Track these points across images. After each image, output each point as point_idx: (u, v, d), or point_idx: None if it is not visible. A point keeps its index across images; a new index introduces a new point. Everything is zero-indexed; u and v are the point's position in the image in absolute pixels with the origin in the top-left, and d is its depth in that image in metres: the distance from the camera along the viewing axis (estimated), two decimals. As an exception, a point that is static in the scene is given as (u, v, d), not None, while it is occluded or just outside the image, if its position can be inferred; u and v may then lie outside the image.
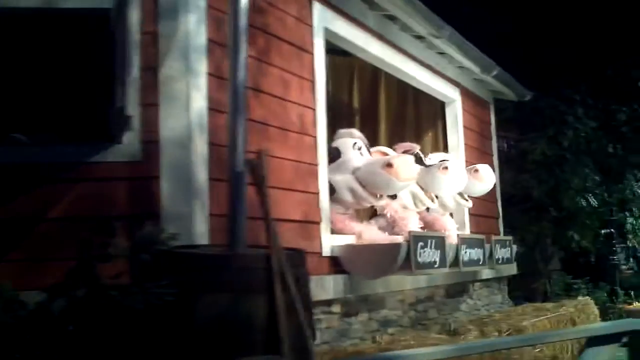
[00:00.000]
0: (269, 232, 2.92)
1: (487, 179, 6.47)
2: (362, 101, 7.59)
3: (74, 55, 3.87)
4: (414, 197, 5.68)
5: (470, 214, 7.43)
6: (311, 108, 4.67)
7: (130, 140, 3.51)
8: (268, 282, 2.78)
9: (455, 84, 7.49)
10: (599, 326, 5.55)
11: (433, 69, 6.88)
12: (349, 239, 4.93)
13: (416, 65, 6.49)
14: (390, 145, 6.87)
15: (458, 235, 5.64)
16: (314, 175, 4.62)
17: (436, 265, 5.05)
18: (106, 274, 2.83)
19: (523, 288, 9.99)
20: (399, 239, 5.18)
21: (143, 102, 3.54)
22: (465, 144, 7.57)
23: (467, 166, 7.33)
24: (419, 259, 4.76)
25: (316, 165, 4.65)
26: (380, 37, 5.78)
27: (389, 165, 4.86)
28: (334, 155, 5.04)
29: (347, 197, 5.00)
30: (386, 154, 6.24)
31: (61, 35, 3.80)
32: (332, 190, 5.00)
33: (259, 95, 4.14)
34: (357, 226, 5.08)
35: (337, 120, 7.18)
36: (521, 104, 9.49)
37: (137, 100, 3.53)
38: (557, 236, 10.75)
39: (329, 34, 5.10)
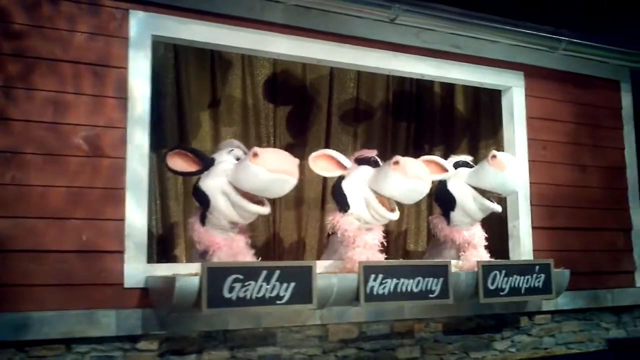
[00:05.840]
0: None
1: (508, 168, 5.11)
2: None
3: None
4: (368, 206, 4.77)
5: (535, 228, 5.88)
6: (118, 127, 4.32)
7: None
8: None
9: (513, 66, 5.99)
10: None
11: (442, 53, 5.63)
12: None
13: (387, 54, 5.39)
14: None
15: (361, 263, 4.54)
16: (117, 200, 4.27)
17: (280, 302, 4.20)
18: None
19: None
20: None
21: None
22: (533, 139, 6.00)
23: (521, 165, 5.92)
24: (228, 295, 4.03)
25: (122, 189, 4.29)
26: (305, 31, 5.02)
27: (255, 154, 4.25)
28: (209, 164, 4.58)
29: (221, 204, 4.44)
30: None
31: None
32: (208, 202, 4.54)
33: (4, 124, 4.04)
34: (240, 251, 4.51)
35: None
36: None
37: None
38: None
39: (172, 41, 4.68)
